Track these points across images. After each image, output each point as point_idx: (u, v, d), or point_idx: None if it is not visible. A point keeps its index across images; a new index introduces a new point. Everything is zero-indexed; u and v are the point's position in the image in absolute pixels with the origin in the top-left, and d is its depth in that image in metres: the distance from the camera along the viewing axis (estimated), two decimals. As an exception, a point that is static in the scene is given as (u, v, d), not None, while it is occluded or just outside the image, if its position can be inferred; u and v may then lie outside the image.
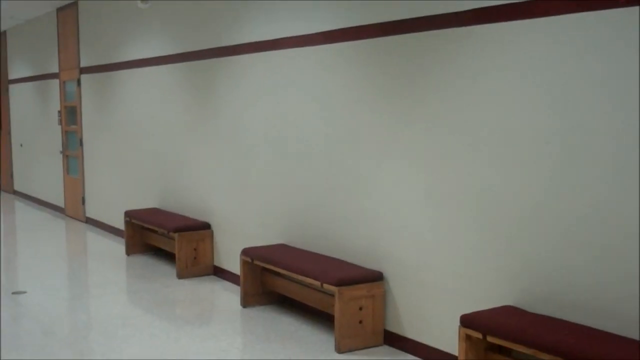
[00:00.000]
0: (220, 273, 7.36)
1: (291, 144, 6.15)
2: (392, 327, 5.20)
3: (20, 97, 13.95)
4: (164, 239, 7.86)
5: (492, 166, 4.32)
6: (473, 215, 4.47)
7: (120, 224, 9.07)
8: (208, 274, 7.42)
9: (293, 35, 6.01)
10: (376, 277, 5.18)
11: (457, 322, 4.19)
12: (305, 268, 5.44)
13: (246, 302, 6.23)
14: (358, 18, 5.29)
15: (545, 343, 3.59)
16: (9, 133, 14.73)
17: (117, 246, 8.93)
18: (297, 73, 6.02)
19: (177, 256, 7.32)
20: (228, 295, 6.69)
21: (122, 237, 8.85)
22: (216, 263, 7.44)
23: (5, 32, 14.45)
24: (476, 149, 4.42)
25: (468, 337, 4.06)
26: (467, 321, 4.05)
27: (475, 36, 4.37)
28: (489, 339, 3.91)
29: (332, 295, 5.17)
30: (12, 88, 14.35)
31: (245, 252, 6.16)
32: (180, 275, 7.32)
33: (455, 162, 4.58)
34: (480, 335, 3.96)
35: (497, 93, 4.26)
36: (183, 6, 7.72)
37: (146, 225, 8.07)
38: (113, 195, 9.83)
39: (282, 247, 6.17)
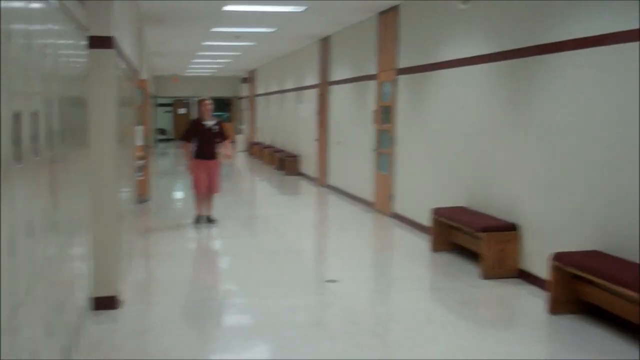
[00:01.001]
0: (525, 277, 7.11)
1: (611, 142, 5.74)
2: None
3: (338, 98, 14.77)
4: (470, 238, 7.79)
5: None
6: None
7: (425, 220, 9.17)
8: (513, 277, 7.21)
9: (626, 29, 5.58)
10: None
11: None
12: (624, 278, 5.04)
13: (554, 309, 5.94)
14: None
15: None
16: (328, 131, 15.65)
17: (422, 242, 9.05)
18: (626, 72, 5.59)
19: (483, 256, 7.22)
20: (534, 301, 6.44)
21: (427, 233, 8.94)
22: (521, 266, 7.20)
23: (329, 36, 15.38)
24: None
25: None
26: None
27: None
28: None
29: (654, 311, 4.73)
30: (332, 89, 15.23)
31: (557, 257, 5.87)
32: (486, 276, 7.20)
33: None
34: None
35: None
36: (501, 4, 7.58)
37: (452, 224, 8.07)
38: (421, 192, 9.98)
39: (597, 254, 5.78)
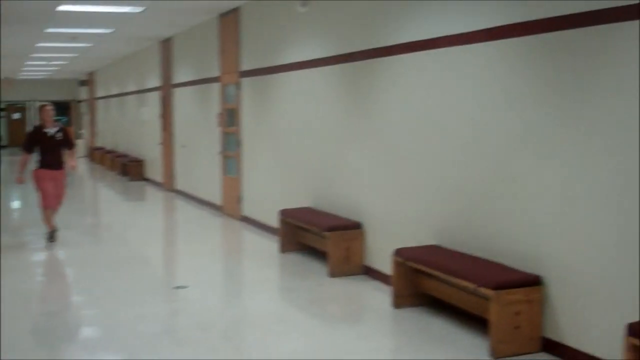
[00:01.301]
0: (370, 273, 7.36)
1: (446, 145, 6.06)
2: (550, 334, 5.00)
3: (182, 101, 14.62)
4: (317, 237, 7.96)
5: (664, 167, 4.06)
6: (642, 220, 4.23)
7: (274, 222, 9.28)
8: (359, 274, 7.44)
9: (453, 33, 5.91)
10: (534, 282, 5.01)
11: (623, 331, 3.96)
12: (460, 270, 5.34)
13: (398, 303, 6.20)
14: (527, 13, 5.13)
15: None
16: (172, 135, 15.45)
17: (271, 244, 9.14)
18: (457, 73, 5.93)
19: (329, 255, 7.40)
20: (379, 296, 6.68)
21: (276, 235, 9.05)
22: (367, 263, 7.45)
23: (171, 38, 15.18)
24: (646, 149, 4.18)
25: (635, 348, 3.83)
26: (635, 330, 3.83)
27: (648, 30, 4.13)
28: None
29: (488, 299, 5.04)
30: (176, 92, 15.06)
31: (398, 252, 6.13)
32: (333, 274, 7.39)
33: (621, 163, 4.35)
34: (649, 346, 3.73)
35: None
36: (340, 8, 7.80)
37: (300, 224, 8.21)
38: (268, 195, 10.08)
39: (435, 248, 6.09)
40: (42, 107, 9.71)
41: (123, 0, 10.56)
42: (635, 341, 3.82)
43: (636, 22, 4.23)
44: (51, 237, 9.54)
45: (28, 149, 9.55)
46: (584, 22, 4.60)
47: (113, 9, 11.17)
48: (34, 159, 9.54)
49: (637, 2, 4.21)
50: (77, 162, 9.90)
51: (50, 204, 9.46)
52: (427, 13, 6.25)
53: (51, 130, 9.54)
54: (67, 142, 9.72)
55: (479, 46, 5.62)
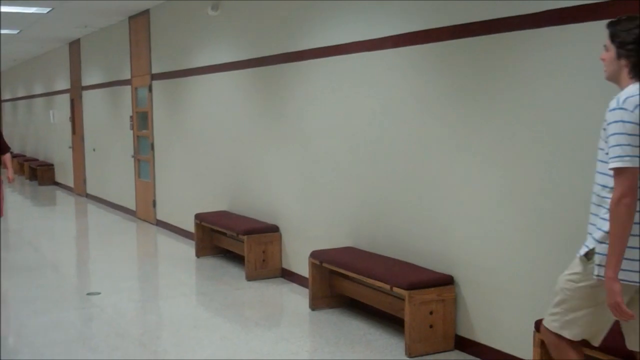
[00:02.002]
0: (288, 275, 7.39)
1: (359, 148, 6.14)
2: (463, 332, 5.14)
3: (93, 103, 14.31)
4: (233, 241, 7.94)
5: (569, 166, 4.23)
6: (549, 217, 4.39)
7: (190, 226, 9.20)
8: (276, 277, 7.46)
9: (362, 39, 6.00)
10: (447, 281, 5.13)
11: (532, 327, 4.11)
12: (375, 271, 5.43)
13: (315, 305, 6.25)
14: (429, 21, 5.26)
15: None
16: (82, 138, 15.11)
17: (187, 248, 9.06)
18: (364, 78, 6.02)
19: (246, 258, 7.39)
20: (296, 298, 6.72)
21: (192, 239, 8.98)
22: (284, 265, 7.48)
23: (79, 40, 14.84)
24: (552, 149, 4.34)
25: (543, 344, 3.97)
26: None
27: (548, 37, 4.29)
28: (565, 345, 3.82)
29: (402, 299, 5.14)
30: (85, 94, 14.73)
31: (314, 254, 6.18)
32: (249, 278, 7.38)
33: (528, 164, 4.51)
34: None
35: (572, 93, 4.18)
36: (251, 12, 7.80)
37: (216, 228, 8.17)
38: (183, 198, 9.98)
39: (351, 250, 6.16)
40: None
41: (29, 1, 10.27)
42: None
43: (529, 30, 4.40)
44: None
45: None
46: (481, 31, 4.76)
47: (18, 9, 10.84)
48: None
49: (530, 12, 4.39)
50: (13, 172, 8.75)
51: None
52: (337, 20, 6.32)
53: None
54: (3, 146, 8.54)
55: (386, 52, 5.72)
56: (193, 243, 8.86)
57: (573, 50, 4.18)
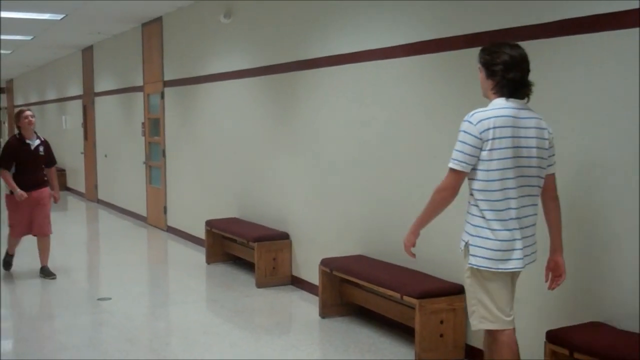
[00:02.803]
0: (298, 283, 7.39)
1: (370, 156, 6.14)
2: (474, 342, 5.12)
3: (105, 110, 14.38)
4: (244, 248, 7.95)
5: (583, 174, 4.22)
6: (568, 228, 4.38)
7: (200, 233, 9.21)
8: (286, 284, 7.46)
9: (374, 48, 6.01)
10: (457, 290, 5.11)
11: (543, 337, 4.09)
12: (385, 279, 5.42)
13: (325, 312, 6.24)
14: (441, 30, 5.26)
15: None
16: (94, 144, 15.17)
17: (198, 255, 9.08)
18: (375, 86, 6.02)
19: (256, 265, 7.39)
20: (306, 306, 6.71)
21: (203, 245, 8.99)
22: (294, 273, 7.48)
23: (92, 46, 14.92)
24: (563, 159, 4.34)
25: (554, 354, 3.96)
26: (554, 337, 3.96)
27: (559, 48, 4.29)
28: (576, 355, 3.81)
29: (412, 308, 5.13)
30: (98, 100, 14.80)
31: (324, 262, 6.17)
32: (260, 285, 7.38)
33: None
34: (567, 352, 3.86)
35: (582, 104, 4.17)
36: (264, 20, 7.83)
37: (226, 235, 8.18)
38: (194, 205, 10.00)
39: (361, 258, 6.16)
40: (20, 113, 7.84)
41: (43, 7, 10.33)
42: (554, 347, 3.95)
43: (541, 40, 4.40)
44: (7, 264, 8.33)
45: (6, 165, 7.73)
46: (492, 40, 4.75)
47: (33, 15, 10.92)
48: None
49: (542, 22, 4.39)
50: (58, 189, 8.32)
51: (20, 232, 8.01)
52: (349, 28, 6.33)
53: (33, 142, 7.85)
54: (51, 159, 8.11)
55: (397, 61, 5.73)
56: (203, 249, 8.87)
57: (584, 61, 4.17)
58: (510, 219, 3.65)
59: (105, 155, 14.37)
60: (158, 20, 10.94)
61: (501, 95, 3.68)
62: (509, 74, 3.64)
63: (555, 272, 3.94)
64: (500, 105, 3.65)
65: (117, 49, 13.34)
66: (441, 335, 5.07)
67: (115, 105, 13.61)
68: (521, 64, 3.66)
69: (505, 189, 3.64)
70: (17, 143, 7.76)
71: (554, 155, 3.83)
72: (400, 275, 5.47)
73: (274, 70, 7.64)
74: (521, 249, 3.67)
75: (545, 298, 4.50)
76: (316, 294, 6.58)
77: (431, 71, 5.41)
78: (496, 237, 3.65)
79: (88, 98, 15.50)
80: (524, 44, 4.52)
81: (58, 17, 10.96)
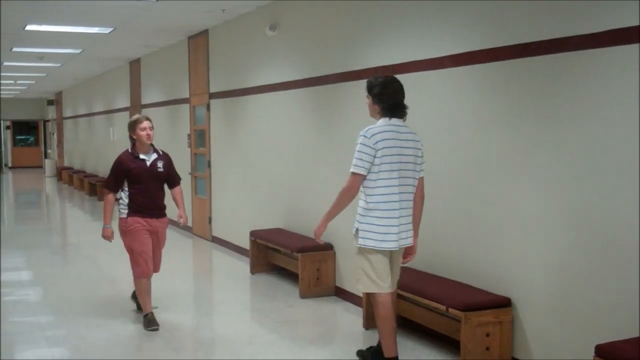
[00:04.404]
0: (341, 294, 7.38)
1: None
2: (520, 355, 5.05)
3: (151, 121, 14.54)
4: (288, 258, 7.97)
5: (632, 190, 4.15)
6: (610, 240, 4.31)
7: (245, 243, 9.26)
8: (330, 295, 7.46)
9: (419, 58, 6.00)
10: (504, 303, 5.06)
11: (592, 352, 4.03)
12: (430, 291, 5.39)
13: (369, 324, 6.22)
14: (489, 40, 5.23)
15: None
16: (141, 155, 15.35)
17: (242, 265, 9.13)
18: (422, 96, 6.01)
19: (300, 276, 7.41)
20: (350, 317, 6.70)
21: (247, 256, 9.04)
22: (338, 284, 7.47)
23: (139, 59, 15.16)
24: (612, 172, 4.27)
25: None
26: (603, 351, 3.89)
27: (613, 58, 4.23)
28: (626, 370, 3.74)
29: (458, 320, 5.09)
30: (145, 112, 15.01)
31: (369, 274, 6.15)
32: (303, 295, 7.39)
33: (589, 186, 4.44)
34: (616, 367, 3.80)
35: (635, 116, 4.11)
36: (309, 32, 7.87)
37: (270, 245, 8.22)
38: (239, 215, 10.07)
39: (405, 270, 6.11)
40: (136, 123, 6.47)
41: (92, 21, 10.54)
42: None
43: (593, 50, 4.34)
44: (150, 323, 6.36)
45: (115, 186, 6.44)
46: (543, 50, 4.71)
47: (82, 29, 11.14)
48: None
49: (593, 32, 4.33)
50: (184, 209, 6.93)
51: (148, 269, 6.47)
52: (395, 39, 6.33)
53: (150, 157, 6.53)
54: (173, 176, 6.74)
55: (444, 71, 5.71)
56: (248, 260, 8.92)
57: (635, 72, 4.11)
58: (391, 209, 4.80)
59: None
60: (204, 33, 11.07)
61: (383, 116, 4.88)
62: (390, 100, 4.88)
63: (408, 251, 5.06)
64: (385, 123, 4.84)
65: (163, 62, 13.53)
66: (487, 348, 5.02)
67: (161, 117, 13.79)
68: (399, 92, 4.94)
69: (389, 186, 4.82)
70: (129, 158, 6.44)
71: (423, 163, 4.96)
72: (445, 287, 5.43)
73: (319, 81, 7.67)
74: (397, 234, 4.79)
75: (594, 312, 4.43)
76: (360, 306, 6.57)
77: (479, 82, 5.38)
78: (378, 224, 4.79)
79: (135, 110, 15.73)
80: (577, 55, 4.47)
81: (107, 30, 11.16)
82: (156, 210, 6.50)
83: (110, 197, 6.47)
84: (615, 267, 4.27)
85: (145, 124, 6.44)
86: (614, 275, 4.28)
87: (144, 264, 6.40)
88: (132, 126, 6.46)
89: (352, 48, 7.03)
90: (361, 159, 4.79)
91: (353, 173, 4.84)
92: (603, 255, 4.36)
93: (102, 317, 6.81)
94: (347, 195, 4.92)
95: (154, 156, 6.55)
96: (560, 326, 4.70)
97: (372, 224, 4.82)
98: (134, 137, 6.47)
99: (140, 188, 6.37)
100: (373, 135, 4.76)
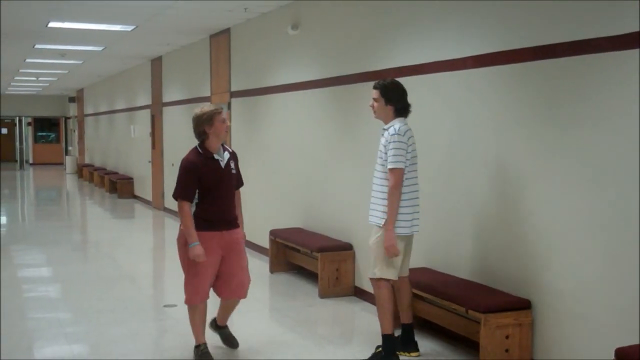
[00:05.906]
0: (361, 294, 7.38)
1: (433, 168, 6.10)
2: (540, 357, 5.03)
3: (173, 119, 14.64)
4: (307, 258, 7.98)
5: (652, 193, 4.12)
6: (632, 243, 4.27)
7: (264, 242, 9.28)
8: (349, 295, 7.46)
9: (440, 59, 5.99)
10: (524, 305, 5.04)
11: (612, 356, 4.00)
12: (450, 293, 5.38)
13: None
14: (510, 42, 5.21)
15: None
16: (162, 153, 15.45)
17: (261, 264, 9.14)
18: (442, 97, 5.99)
19: (319, 276, 7.41)
20: (369, 317, 6.69)
21: (266, 255, 9.05)
22: (357, 284, 7.47)
23: (161, 57, 15.23)
24: (634, 176, 4.23)
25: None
26: (623, 355, 3.86)
27: (635, 60, 4.20)
28: (648, 375, 3.71)
29: (478, 322, 5.07)
30: (166, 110, 15.08)
31: (388, 274, 6.15)
32: (322, 295, 7.40)
33: (610, 190, 4.41)
34: (638, 371, 3.77)
35: (660, 117, 4.07)
36: (331, 32, 7.87)
37: (290, 244, 8.23)
38: (259, 214, 10.08)
39: (425, 271, 6.12)
40: (215, 113, 5.38)
41: (114, 18, 10.60)
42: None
43: (615, 53, 4.31)
44: (202, 355, 5.44)
45: (187, 194, 5.33)
46: (565, 52, 4.68)
47: (104, 27, 11.21)
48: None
49: (615, 34, 4.29)
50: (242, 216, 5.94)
51: (204, 295, 5.51)
52: (417, 40, 6.32)
53: (223, 157, 5.50)
54: (239, 179, 5.81)
55: (465, 72, 5.69)
56: (267, 259, 8.94)
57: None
58: (416, 198, 5.34)
59: (172, 165, 14.59)
60: (226, 31, 11.10)
61: (398, 117, 5.34)
62: (403, 101, 5.38)
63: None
64: (403, 122, 5.32)
65: (185, 60, 13.59)
66: (507, 351, 5.00)
67: (182, 115, 13.84)
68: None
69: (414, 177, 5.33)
70: (201, 160, 5.38)
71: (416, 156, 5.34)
72: (465, 289, 5.42)
73: (340, 81, 7.66)
74: (418, 219, 5.38)
75: (614, 315, 4.40)
76: (379, 306, 6.55)
77: (501, 84, 5.35)
78: (407, 212, 5.28)
79: (156, 108, 15.81)
80: (599, 57, 4.44)
81: (129, 28, 11.23)
82: (233, 220, 5.58)
83: (187, 208, 5.27)
84: (636, 271, 4.24)
85: (225, 114, 5.45)
86: (634, 278, 4.25)
87: (201, 288, 5.39)
88: (210, 119, 5.30)
89: (373, 48, 7.02)
90: (401, 155, 5.18)
91: (396, 169, 5.18)
92: (623, 258, 4.33)
93: (121, 314, 6.85)
94: (398, 190, 5.20)
95: (227, 155, 5.48)
96: (580, 329, 4.68)
97: (402, 213, 5.24)
98: (209, 131, 5.33)
99: (214, 195, 5.34)
100: (405, 132, 5.24)
